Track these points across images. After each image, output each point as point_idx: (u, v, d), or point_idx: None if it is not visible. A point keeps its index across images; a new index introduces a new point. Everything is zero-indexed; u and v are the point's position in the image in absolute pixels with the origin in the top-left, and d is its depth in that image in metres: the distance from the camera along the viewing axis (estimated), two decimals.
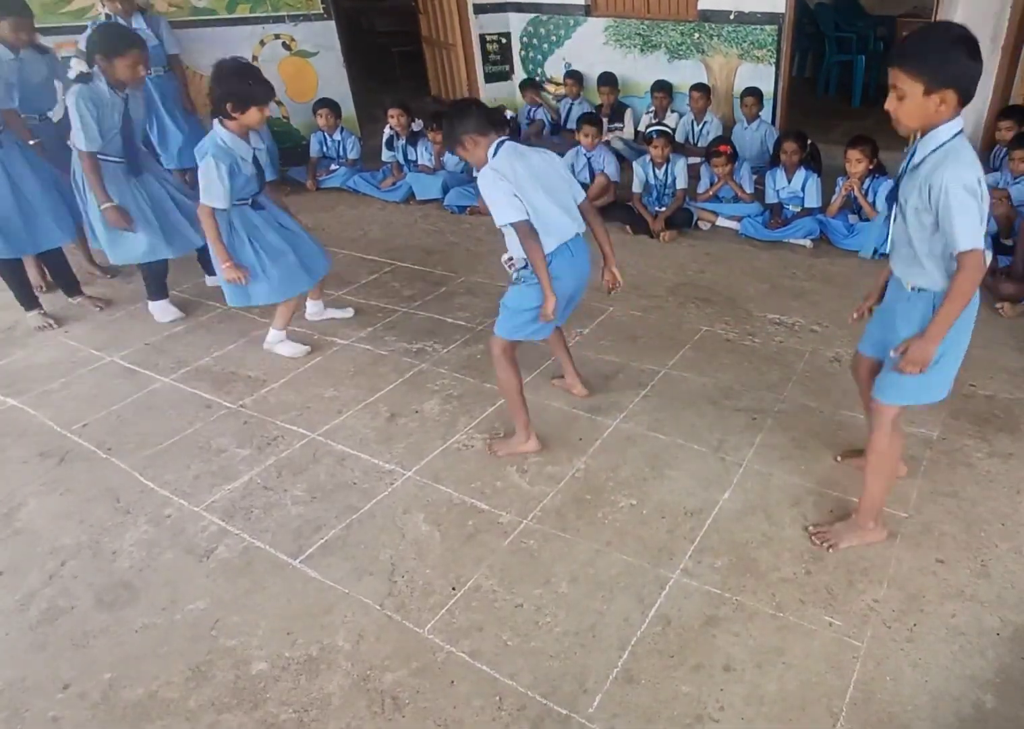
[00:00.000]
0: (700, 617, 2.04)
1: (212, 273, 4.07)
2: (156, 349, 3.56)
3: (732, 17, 5.80)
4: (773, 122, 5.83)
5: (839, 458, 2.61)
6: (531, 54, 7.23)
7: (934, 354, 1.87)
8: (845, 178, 4.29)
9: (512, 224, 2.33)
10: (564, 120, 6.53)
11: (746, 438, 2.75)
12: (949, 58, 1.66)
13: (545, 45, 7.07)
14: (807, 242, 4.43)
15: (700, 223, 4.76)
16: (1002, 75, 5.06)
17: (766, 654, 1.93)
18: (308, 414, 3.02)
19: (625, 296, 3.88)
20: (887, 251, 2.00)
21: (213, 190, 2.89)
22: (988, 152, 4.96)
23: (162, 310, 3.86)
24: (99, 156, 3.32)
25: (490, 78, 7.33)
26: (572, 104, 6.48)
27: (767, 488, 2.51)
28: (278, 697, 1.88)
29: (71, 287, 3.99)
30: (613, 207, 4.89)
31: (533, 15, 6.98)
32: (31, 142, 3.59)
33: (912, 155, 1.83)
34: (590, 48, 6.69)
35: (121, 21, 4.85)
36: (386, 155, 5.64)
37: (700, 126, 5.79)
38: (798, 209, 4.53)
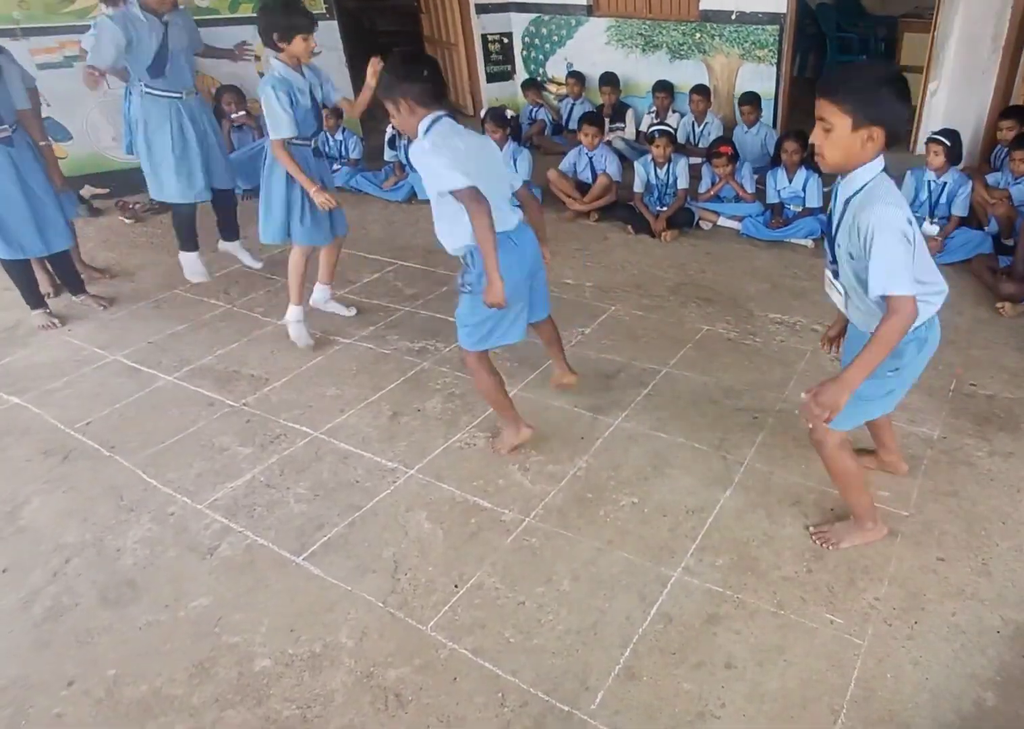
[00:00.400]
0: (701, 615, 2.05)
1: (229, 239, 4.25)
2: (159, 348, 3.57)
3: (733, 17, 5.81)
4: (774, 123, 5.84)
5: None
6: (533, 54, 7.24)
7: (846, 401, 1.76)
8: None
9: (457, 191, 2.15)
10: (566, 120, 6.54)
11: (747, 437, 2.76)
12: (881, 95, 1.63)
13: (547, 45, 7.08)
14: (808, 242, 4.44)
15: (701, 223, 4.77)
16: (1003, 75, 5.07)
17: (767, 652, 1.94)
18: (310, 413, 3.03)
19: (627, 296, 3.89)
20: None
21: (278, 121, 2.95)
22: (989, 152, 4.97)
23: (190, 265, 4.03)
24: (147, 89, 3.59)
25: (492, 78, 7.34)
26: (574, 104, 6.49)
27: (768, 487, 2.51)
28: (281, 694, 1.89)
29: (75, 286, 4.00)
30: (615, 207, 4.90)
31: (535, 15, 6.99)
32: (41, 143, 3.58)
33: (835, 198, 1.81)
34: (592, 48, 6.70)
35: None
36: (388, 155, 5.65)
37: (701, 127, 5.80)
38: (799, 209, 4.53)
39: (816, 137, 1.71)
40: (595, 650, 1.96)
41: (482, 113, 5.29)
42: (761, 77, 5.82)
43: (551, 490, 2.54)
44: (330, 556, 2.31)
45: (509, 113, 5.39)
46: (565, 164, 5.11)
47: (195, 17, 5.48)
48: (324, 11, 6.06)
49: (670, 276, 4.14)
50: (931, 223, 4.13)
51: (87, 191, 5.38)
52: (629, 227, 4.75)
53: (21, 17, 4.79)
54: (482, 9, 6.98)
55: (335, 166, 5.77)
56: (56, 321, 3.80)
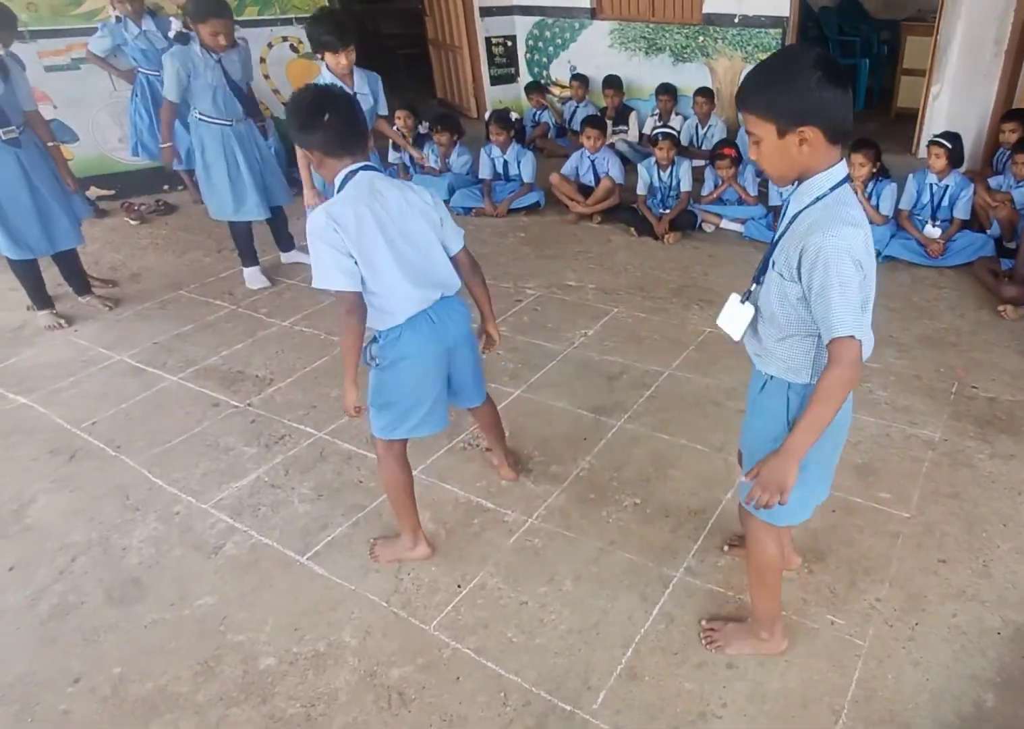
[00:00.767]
0: (703, 615, 2.05)
1: (286, 249, 4.46)
2: (164, 348, 3.59)
3: (736, 20, 5.83)
4: None
5: (725, 548, 2.26)
6: (536, 57, 7.27)
7: (795, 474, 1.45)
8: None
9: (334, 292, 1.84)
10: (569, 123, 6.56)
11: None
12: (798, 88, 1.32)
13: (550, 48, 7.10)
14: None
15: (704, 225, 4.78)
16: (1005, 78, 5.08)
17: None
18: (315, 413, 3.04)
19: (629, 298, 3.91)
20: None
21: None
22: (991, 155, 4.98)
23: (251, 277, 4.20)
24: (200, 116, 3.77)
25: (495, 81, 7.37)
26: (577, 107, 6.51)
27: None
28: (286, 692, 1.91)
29: (82, 287, 4.02)
30: (618, 209, 4.91)
31: (539, 18, 7.02)
32: (49, 144, 3.61)
33: (785, 210, 1.51)
34: (595, 51, 6.72)
35: (131, 22, 4.91)
36: (392, 157, 5.67)
37: (704, 129, 5.81)
38: None
39: (752, 152, 1.45)
40: (597, 650, 1.97)
41: (486, 116, 5.31)
42: None
43: (554, 491, 2.55)
44: (334, 556, 2.32)
45: (513, 116, 5.41)
46: (567, 167, 5.13)
47: None
48: None
49: (673, 278, 4.16)
50: (933, 226, 4.13)
51: (93, 192, 5.41)
52: (632, 229, 4.76)
53: (29, 20, 4.83)
54: (486, 12, 7.01)
55: None
56: (62, 321, 3.83)
